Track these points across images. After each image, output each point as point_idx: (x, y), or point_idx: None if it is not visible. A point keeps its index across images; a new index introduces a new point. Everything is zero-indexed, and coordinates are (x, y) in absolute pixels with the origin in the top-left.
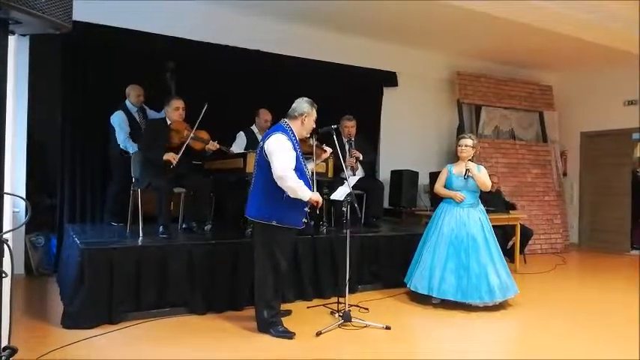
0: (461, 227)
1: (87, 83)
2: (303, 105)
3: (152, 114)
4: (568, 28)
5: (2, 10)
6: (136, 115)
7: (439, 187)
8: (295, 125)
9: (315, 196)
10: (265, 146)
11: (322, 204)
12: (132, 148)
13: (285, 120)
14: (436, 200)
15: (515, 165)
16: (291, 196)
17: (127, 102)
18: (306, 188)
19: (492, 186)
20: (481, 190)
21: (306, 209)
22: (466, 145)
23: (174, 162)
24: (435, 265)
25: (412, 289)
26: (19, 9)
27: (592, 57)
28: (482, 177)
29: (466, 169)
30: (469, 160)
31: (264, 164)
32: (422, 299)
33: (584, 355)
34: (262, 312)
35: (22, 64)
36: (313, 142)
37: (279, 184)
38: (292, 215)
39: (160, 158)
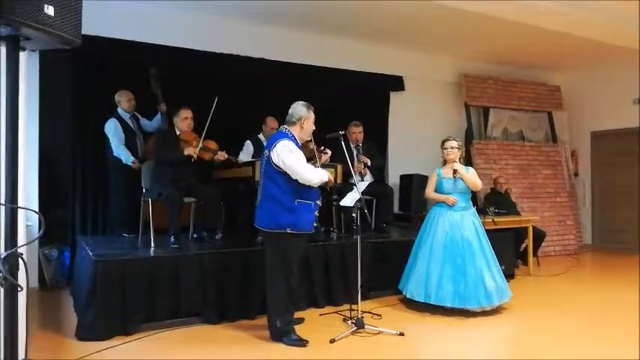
0: (455, 231)
1: (97, 95)
2: (300, 109)
3: (145, 122)
4: (574, 28)
5: (13, 27)
6: (129, 122)
7: (430, 192)
8: (295, 130)
9: (330, 175)
10: (274, 155)
11: (332, 208)
12: (125, 156)
13: (285, 126)
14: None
15: (526, 167)
16: (317, 185)
17: (119, 109)
18: (323, 171)
19: (500, 187)
20: (496, 193)
21: (315, 213)
22: (452, 147)
23: (195, 155)
24: (431, 272)
25: (408, 296)
26: (29, 25)
27: (600, 56)
28: (472, 177)
29: (453, 170)
30: (455, 161)
31: (274, 173)
32: (419, 305)
33: (596, 357)
34: (275, 321)
35: (32, 77)
36: (313, 145)
37: (306, 183)
38: (304, 221)
39: (181, 155)
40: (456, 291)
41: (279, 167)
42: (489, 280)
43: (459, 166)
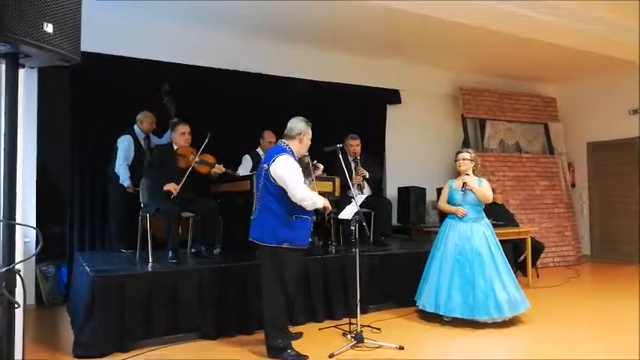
0: (465, 242)
1: (95, 112)
2: (299, 124)
3: (155, 140)
4: (569, 40)
5: (12, 45)
6: (142, 142)
7: (442, 203)
8: (294, 145)
9: (327, 202)
10: (273, 170)
11: (330, 223)
12: (123, 175)
13: (283, 140)
14: (444, 216)
15: (523, 178)
16: (311, 208)
17: (136, 128)
18: (319, 197)
19: (500, 198)
20: (493, 205)
21: (310, 229)
22: (464, 159)
23: (175, 192)
24: (441, 283)
25: (421, 307)
26: (28, 43)
27: (594, 67)
28: (483, 190)
29: (463, 183)
30: (467, 174)
31: (273, 187)
32: (433, 317)
33: None
34: (273, 338)
35: (31, 92)
36: (308, 159)
37: (300, 204)
38: (301, 236)
39: (161, 188)
40: (465, 302)
41: (278, 181)
42: (500, 291)
43: (469, 178)
